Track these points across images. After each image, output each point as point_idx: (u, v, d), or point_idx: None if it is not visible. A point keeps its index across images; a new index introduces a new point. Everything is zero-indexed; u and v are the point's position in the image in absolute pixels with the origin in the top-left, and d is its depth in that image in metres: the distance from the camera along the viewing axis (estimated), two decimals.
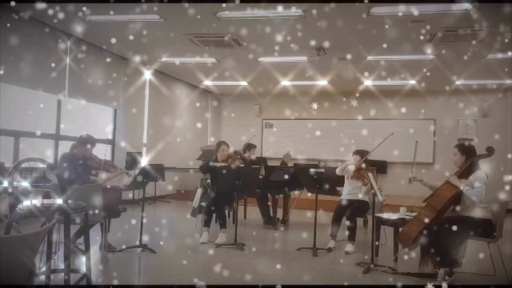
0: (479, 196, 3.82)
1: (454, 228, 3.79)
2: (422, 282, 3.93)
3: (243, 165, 5.71)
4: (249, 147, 6.89)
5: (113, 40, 7.06)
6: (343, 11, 5.42)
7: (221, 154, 5.79)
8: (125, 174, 5.32)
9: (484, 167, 3.99)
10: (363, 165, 5.06)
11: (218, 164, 5.64)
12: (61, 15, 5.83)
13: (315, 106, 10.99)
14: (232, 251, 4.92)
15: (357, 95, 10.63)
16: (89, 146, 4.64)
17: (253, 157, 6.83)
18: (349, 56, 7.47)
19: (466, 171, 3.99)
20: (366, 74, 8.73)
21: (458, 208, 3.99)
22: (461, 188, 3.87)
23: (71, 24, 6.27)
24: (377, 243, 4.61)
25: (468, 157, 4.00)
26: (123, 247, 4.72)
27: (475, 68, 7.86)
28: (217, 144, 5.99)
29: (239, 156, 6.04)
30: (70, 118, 7.22)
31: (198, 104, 11.49)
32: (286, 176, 6.49)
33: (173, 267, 4.22)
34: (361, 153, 5.39)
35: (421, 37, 6.33)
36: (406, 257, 4.43)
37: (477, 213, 3.90)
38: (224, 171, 5.26)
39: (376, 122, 10.92)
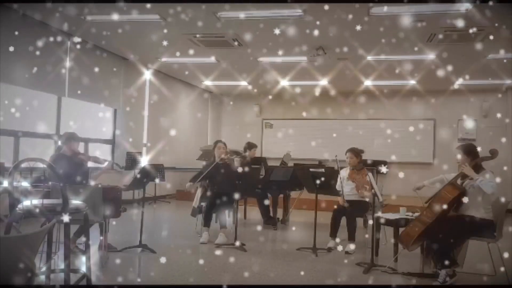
0: (493, 188, 3.72)
1: (455, 228, 3.79)
2: (422, 282, 3.93)
3: (241, 165, 5.72)
4: (250, 146, 6.90)
5: (113, 40, 7.07)
6: (343, 11, 5.42)
7: (218, 151, 5.81)
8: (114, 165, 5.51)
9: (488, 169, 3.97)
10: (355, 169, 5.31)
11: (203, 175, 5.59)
12: (61, 15, 5.83)
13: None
14: (232, 251, 4.92)
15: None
16: (73, 142, 4.77)
17: (253, 155, 6.85)
18: (349, 56, 7.47)
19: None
20: (366, 74, 8.73)
21: (460, 208, 3.98)
22: (475, 178, 3.79)
23: (71, 24, 6.27)
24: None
25: (473, 158, 3.94)
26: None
27: (475, 68, 7.86)
28: (214, 143, 6.04)
29: (235, 156, 6.06)
30: (70, 118, 7.21)
31: (198, 104, 11.50)
32: (286, 176, 6.48)
33: (173, 267, 4.22)
34: (354, 151, 5.44)
35: (421, 37, 6.33)
36: (406, 257, 4.43)
37: (479, 213, 3.89)
38: (222, 170, 5.26)
39: (376, 122, 10.92)
